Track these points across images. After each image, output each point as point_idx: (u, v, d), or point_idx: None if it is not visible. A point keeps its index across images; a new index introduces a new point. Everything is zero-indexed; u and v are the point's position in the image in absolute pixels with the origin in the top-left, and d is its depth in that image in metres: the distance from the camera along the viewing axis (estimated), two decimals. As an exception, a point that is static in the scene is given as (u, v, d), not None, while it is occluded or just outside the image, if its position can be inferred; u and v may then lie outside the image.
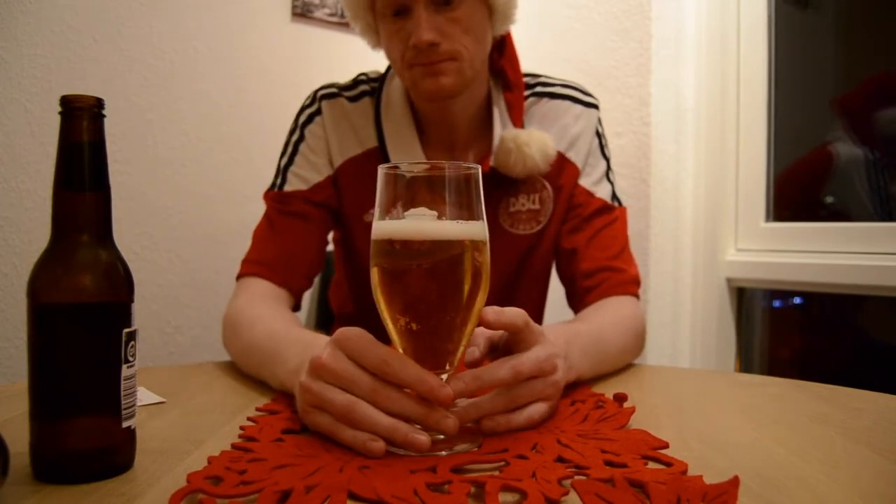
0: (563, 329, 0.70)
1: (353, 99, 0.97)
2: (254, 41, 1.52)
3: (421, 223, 0.51)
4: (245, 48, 1.51)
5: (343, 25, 1.63)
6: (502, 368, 0.55)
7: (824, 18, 1.75)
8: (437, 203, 0.51)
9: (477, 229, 0.53)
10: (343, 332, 0.53)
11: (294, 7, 1.56)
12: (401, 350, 0.54)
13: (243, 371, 0.79)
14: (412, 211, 0.52)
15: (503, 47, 0.96)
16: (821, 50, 1.72)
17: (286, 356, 0.65)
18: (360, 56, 1.65)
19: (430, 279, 0.52)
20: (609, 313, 0.87)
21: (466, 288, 0.52)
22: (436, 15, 0.82)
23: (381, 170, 0.54)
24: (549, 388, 0.57)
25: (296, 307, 0.93)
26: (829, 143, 1.60)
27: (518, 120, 0.94)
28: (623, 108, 1.70)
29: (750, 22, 1.64)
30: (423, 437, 0.49)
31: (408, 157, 0.93)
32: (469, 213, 0.52)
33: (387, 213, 0.53)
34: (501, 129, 0.94)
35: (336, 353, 0.52)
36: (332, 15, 1.61)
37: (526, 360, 0.55)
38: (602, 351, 0.76)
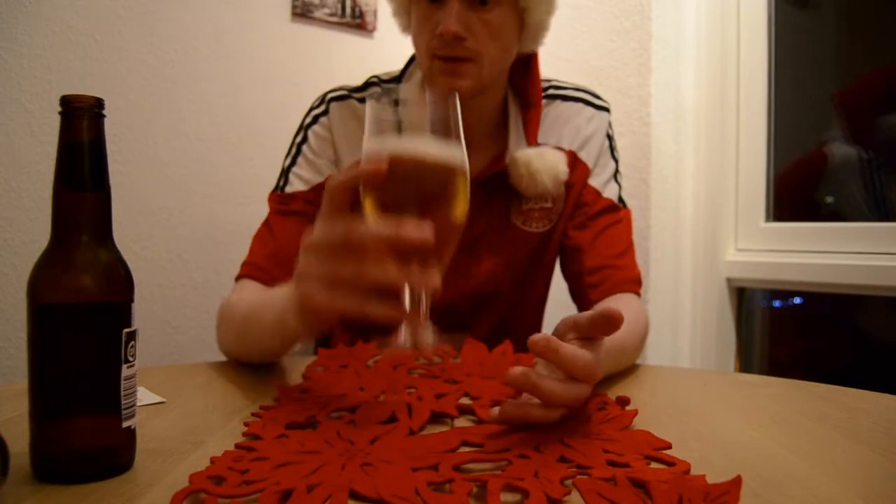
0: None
1: (363, 101, 0.97)
2: (254, 41, 1.52)
3: (408, 142, 0.56)
4: (245, 48, 1.51)
5: (343, 25, 1.63)
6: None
7: (824, 18, 1.75)
8: (421, 127, 0.57)
9: (457, 150, 0.58)
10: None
11: (294, 7, 1.56)
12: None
13: (250, 354, 0.79)
14: (400, 136, 0.57)
15: (529, 67, 0.97)
16: (821, 50, 1.73)
17: (277, 294, 0.67)
18: (360, 56, 1.65)
19: (414, 194, 0.56)
20: (631, 320, 0.84)
21: (445, 204, 0.57)
22: (469, 11, 0.83)
23: (370, 100, 0.58)
24: (581, 400, 0.56)
25: None
26: (824, 143, 1.60)
27: (533, 138, 0.95)
28: (623, 108, 1.70)
29: (750, 22, 1.64)
30: (437, 278, 0.55)
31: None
32: (448, 135, 0.57)
33: (373, 136, 0.57)
34: (517, 137, 0.95)
35: (316, 228, 0.56)
36: (332, 15, 1.61)
37: (584, 359, 0.54)
38: (617, 359, 0.75)
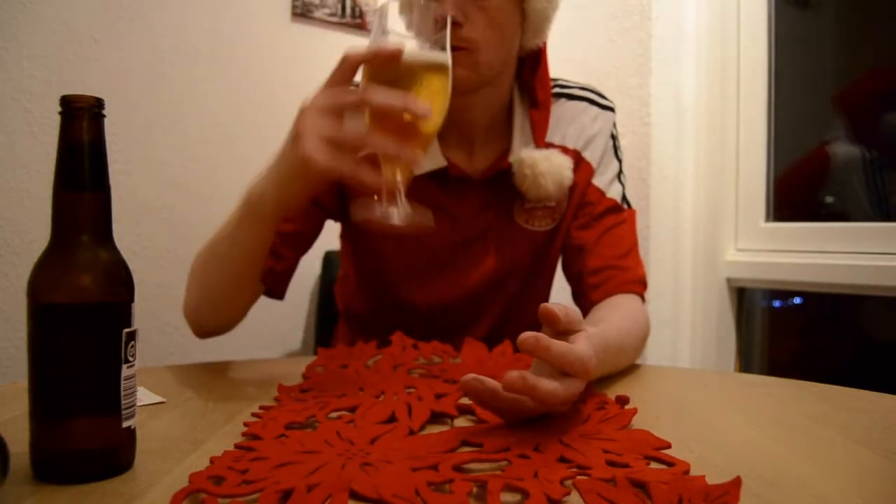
0: (598, 334, 0.68)
1: None
2: (254, 41, 1.52)
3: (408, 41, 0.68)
4: (245, 48, 1.51)
5: (343, 25, 1.63)
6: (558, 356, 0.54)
7: (824, 18, 1.75)
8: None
9: (444, 56, 0.69)
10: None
11: (294, 7, 1.56)
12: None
13: (217, 287, 0.83)
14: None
15: (537, 65, 0.96)
16: (821, 50, 1.73)
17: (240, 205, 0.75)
18: (360, 56, 1.65)
19: (409, 80, 0.66)
20: (627, 319, 0.86)
21: (432, 96, 0.67)
22: (466, 0, 0.83)
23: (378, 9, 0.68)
24: (575, 396, 0.56)
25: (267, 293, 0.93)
26: (826, 143, 1.60)
27: (540, 139, 0.95)
28: (623, 108, 1.70)
29: (750, 22, 1.64)
30: (422, 154, 0.64)
31: (427, 155, 0.93)
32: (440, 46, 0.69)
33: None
34: (521, 137, 0.95)
35: (324, 91, 0.64)
36: (332, 15, 1.61)
37: (575, 354, 0.54)
38: (615, 360, 0.75)
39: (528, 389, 0.52)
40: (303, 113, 0.63)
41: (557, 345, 0.54)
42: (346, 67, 0.63)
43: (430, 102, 0.65)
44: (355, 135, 0.61)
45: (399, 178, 0.65)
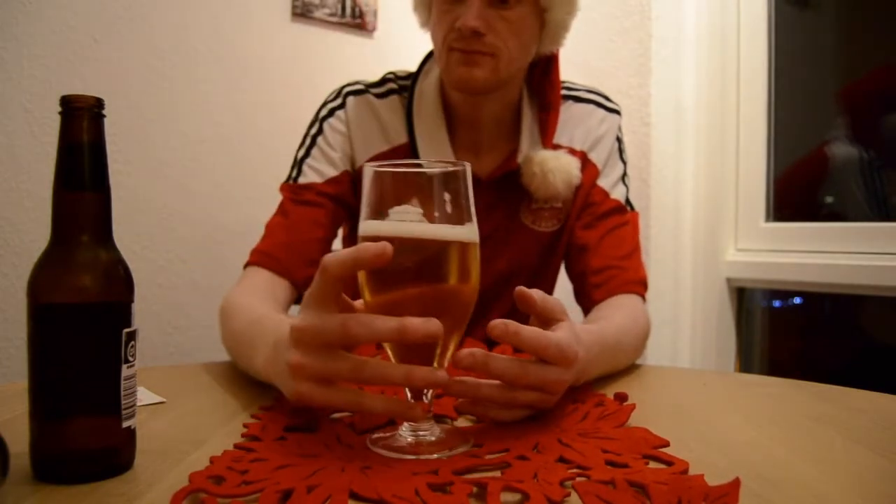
0: (595, 331, 0.68)
1: (380, 96, 0.97)
2: (254, 41, 1.52)
3: (410, 225, 0.50)
4: (245, 48, 1.51)
5: (343, 25, 1.63)
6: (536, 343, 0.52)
7: (824, 18, 1.75)
8: (426, 203, 0.50)
9: (465, 232, 0.52)
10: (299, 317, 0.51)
11: (294, 7, 1.56)
12: (388, 351, 0.53)
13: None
14: (396, 209, 0.50)
15: (549, 68, 0.97)
16: (821, 50, 1.73)
17: (262, 343, 0.62)
18: (360, 56, 1.65)
19: (416, 281, 0.50)
20: (627, 318, 0.86)
21: (451, 285, 0.51)
22: (489, 8, 0.83)
23: (368, 168, 0.52)
24: (558, 384, 0.55)
25: (299, 298, 0.92)
26: (825, 143, 1.60)
27: (549, 141, 0.95)
28: (623, 108, 1.69)
29: (750, 22, 1.64)
30: (443, 373, 0.49)
31: (438, 155, 0.93)
32: (458, 215, 0.51)
33: (374, 212, 0.52)
34: (530, 138, 0.95)
35: (308, 314, 0.50)
36: (332, 15, 1.61)
37: (549, 340, 0.53)
38: (613, 358, 0.76)
39: (480, 366, 0.51)
40: (291, 341, 0.51)
41: (528, 330, 0.52)
42: (327, 280, 0.49)
43: (456, 290, 0.51)
44: (352, 371, 0.49)
45: (426, 397, 0.52)
